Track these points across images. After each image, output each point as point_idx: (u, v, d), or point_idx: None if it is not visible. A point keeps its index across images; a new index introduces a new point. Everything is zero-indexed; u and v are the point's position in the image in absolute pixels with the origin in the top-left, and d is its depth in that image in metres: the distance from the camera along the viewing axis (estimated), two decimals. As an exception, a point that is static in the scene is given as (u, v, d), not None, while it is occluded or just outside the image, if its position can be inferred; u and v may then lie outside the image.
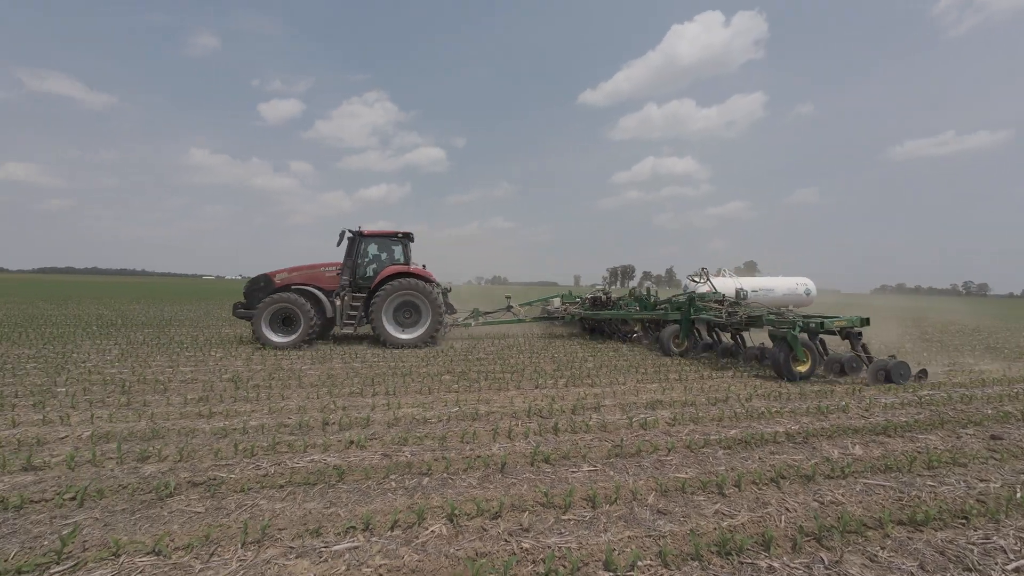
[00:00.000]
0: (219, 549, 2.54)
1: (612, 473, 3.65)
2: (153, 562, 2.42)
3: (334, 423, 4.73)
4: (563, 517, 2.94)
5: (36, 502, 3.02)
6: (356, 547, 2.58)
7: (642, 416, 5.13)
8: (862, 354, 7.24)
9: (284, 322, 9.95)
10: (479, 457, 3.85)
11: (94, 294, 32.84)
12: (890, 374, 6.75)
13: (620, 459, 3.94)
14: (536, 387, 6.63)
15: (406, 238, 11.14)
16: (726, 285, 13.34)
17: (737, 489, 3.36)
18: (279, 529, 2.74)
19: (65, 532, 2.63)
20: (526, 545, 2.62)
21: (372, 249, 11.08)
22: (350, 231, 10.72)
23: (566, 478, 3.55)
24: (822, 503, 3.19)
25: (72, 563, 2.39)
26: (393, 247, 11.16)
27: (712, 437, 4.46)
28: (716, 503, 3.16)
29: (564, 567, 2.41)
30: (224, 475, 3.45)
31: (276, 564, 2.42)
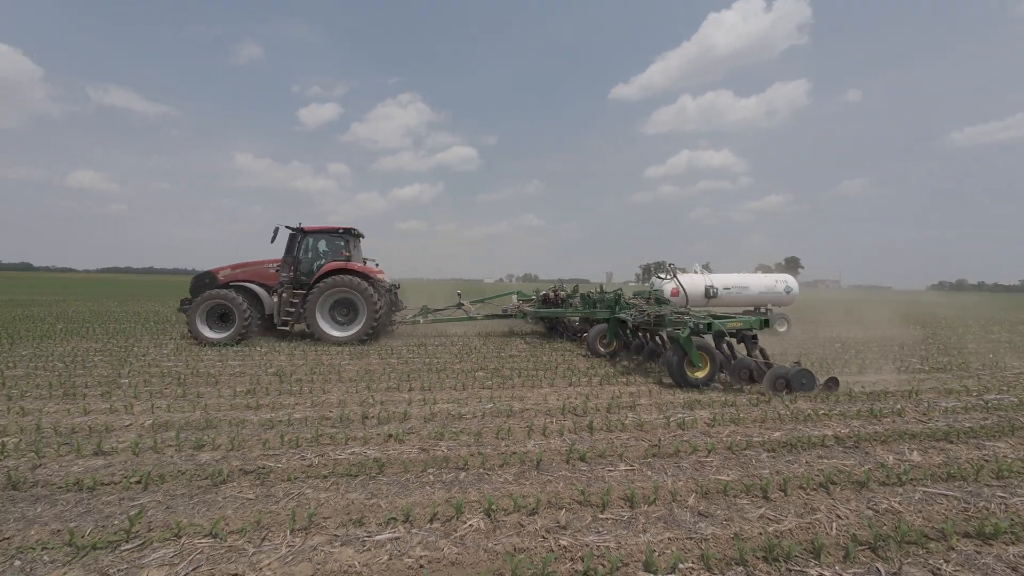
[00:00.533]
0: (269, 534, 2.66)
1: (650, 473, 3.58)
2: (211, 544, 2.56)
3: (373, 417, 4.87)
4: (601, 516, 2.92)
5: (106, 484, 3.26)
6: (397, 538, 2.65)
7: (680, 416, 5.01)
8: (759, 359, 6.62)
9: (221, 318, 10.00)
10: (514, 454, 3.87)
11: (151, 292, 35.11)
12: (790, 383, 6.01)
13: (658, 459, 3.86)
14: (570, 385, 6.59)
15: (347, 234, 11.04)
16: (695, 282, 12.56)
17: (783, 494, 3.23)
18: (324, 517, 2.85)
19: (132, 513, 2.83)
20: (564, 543, 2.62)
21: (320, 246, 11.04)
22: (289, 227, 10.68)
23: (603, 477, 3.51)
24: (877, 511, 3.02)
25: (139, 542, 2.57)
26: (339, 244, 11.00)
27: (755, 439, 4.30)
28: (761, 507, 3.05)
29: (603, 566, 2.39)
30: (272, 464, 3.61)
31: (322, 551, 2.52)
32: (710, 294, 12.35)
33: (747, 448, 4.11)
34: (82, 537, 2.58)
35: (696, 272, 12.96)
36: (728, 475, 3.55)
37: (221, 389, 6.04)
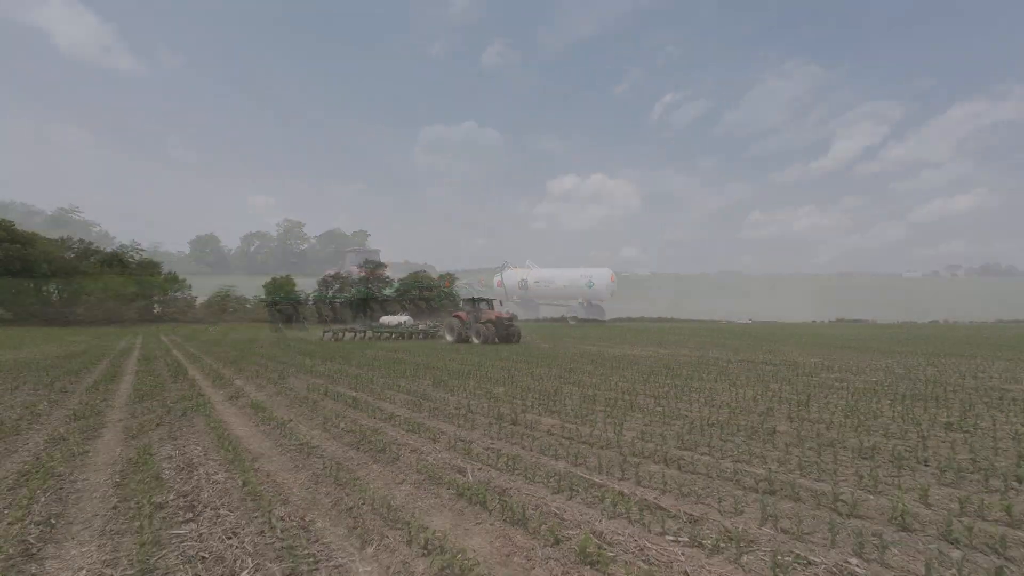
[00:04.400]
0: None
1: None
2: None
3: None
4: None
5: (563, 437, 4.14)
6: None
7: None
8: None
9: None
10: None
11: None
12: None
13: None
14: None
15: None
16: (514, 275, 13.15)
17: None
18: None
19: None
20: None
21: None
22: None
23: None
24: None
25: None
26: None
27: None
28: None
29: None
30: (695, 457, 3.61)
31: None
32: (521, 286, 14.37)
33: None
34: (555, 461, 3.34)
35: (528, 267, 11.20)
36: None
37: (627, 373, 6.86)
